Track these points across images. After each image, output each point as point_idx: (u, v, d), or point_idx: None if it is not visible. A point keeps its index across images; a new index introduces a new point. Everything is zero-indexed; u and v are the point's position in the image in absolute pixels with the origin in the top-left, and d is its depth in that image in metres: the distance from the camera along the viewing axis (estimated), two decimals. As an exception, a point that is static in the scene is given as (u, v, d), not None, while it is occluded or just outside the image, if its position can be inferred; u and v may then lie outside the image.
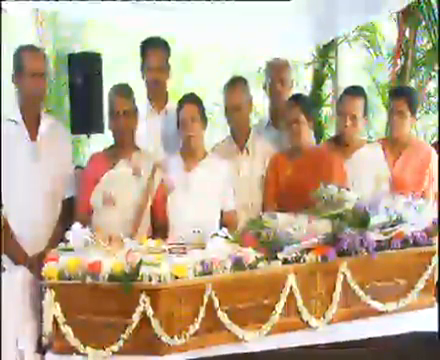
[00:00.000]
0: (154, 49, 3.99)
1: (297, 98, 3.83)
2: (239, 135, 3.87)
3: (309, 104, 3.92)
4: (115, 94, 3.46)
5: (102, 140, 4.79)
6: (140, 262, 2.57)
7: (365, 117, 3.74)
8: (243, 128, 3.86)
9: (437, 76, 6.48)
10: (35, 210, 3.33)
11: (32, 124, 3.42)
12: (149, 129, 3.88)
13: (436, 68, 6.47)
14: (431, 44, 6.54)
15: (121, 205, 3.34)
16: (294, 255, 2.82)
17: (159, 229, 3.44)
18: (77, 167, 3.98)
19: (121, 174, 3.41)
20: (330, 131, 6.61)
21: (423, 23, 6.52)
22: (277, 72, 4.22)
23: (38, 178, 3.35)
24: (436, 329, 3.00)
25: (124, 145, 3.46)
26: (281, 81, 4.19)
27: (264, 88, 4.31)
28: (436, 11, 6.24)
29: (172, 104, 3.88)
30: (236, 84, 3.83)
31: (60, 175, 3.46)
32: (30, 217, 3.30)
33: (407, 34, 6.65)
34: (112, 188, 3.36)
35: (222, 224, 3.45)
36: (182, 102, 3.57)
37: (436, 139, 5.26)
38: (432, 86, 6.99)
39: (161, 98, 4.06)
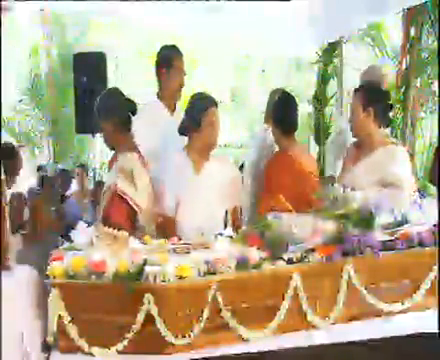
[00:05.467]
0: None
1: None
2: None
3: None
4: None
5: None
6: (145, 262, 2.57)
7: (368, 109, 3.67)
8: None
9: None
10: None
11: None
12: (163, 129, 3.88)
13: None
14: (437, 43, 6.51)
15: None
16: (299, 255, 2.82)
17: (167, 228, 3.44)
18: (81, 166, 3.98)
19: None
20: (334, 130, 6.59)
21: (429, 22, 6.50)
22: None
23: None
24: (440, 329, 2.99)
25: None
26: None
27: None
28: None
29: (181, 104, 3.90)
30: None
31: None
32: None
33: (412, 33, 6.62)
34: None
35: (226, 223, 3.45)
36: (206, 104, 3.54)
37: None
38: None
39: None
